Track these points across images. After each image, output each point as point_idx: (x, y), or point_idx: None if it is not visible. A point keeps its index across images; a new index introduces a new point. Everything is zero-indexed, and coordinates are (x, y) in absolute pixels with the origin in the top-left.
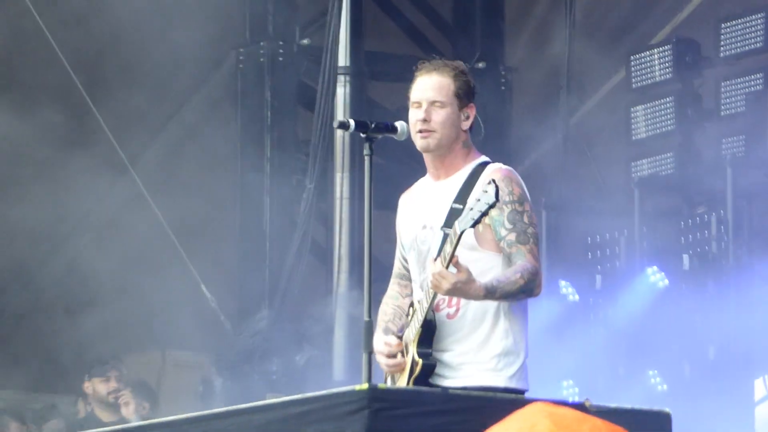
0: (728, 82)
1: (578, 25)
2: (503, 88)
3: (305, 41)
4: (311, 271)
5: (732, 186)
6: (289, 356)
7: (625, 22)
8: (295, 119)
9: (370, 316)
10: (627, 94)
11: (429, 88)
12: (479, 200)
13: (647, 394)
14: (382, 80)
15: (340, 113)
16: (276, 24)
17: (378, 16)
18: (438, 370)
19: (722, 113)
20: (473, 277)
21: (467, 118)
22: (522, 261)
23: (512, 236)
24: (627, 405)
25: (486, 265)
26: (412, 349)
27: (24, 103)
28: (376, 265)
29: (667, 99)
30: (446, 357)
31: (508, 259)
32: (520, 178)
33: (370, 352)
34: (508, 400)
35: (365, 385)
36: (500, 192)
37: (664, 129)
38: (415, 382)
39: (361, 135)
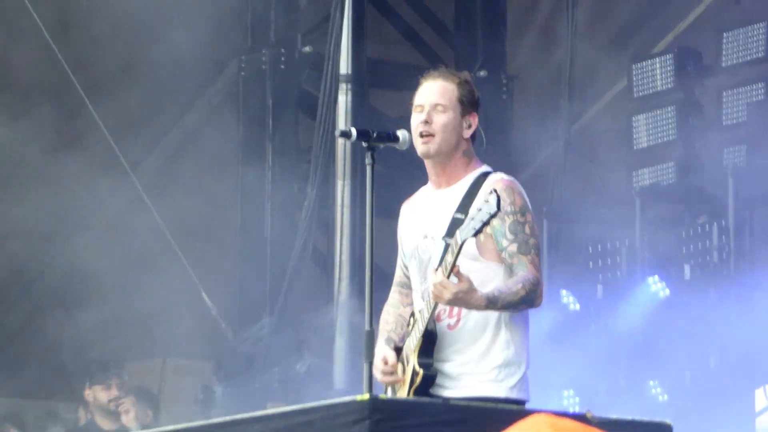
0: (730, 91)
1: (580, 33)
2: (505, 95)
3: (307, 48)
4: (312, 278)
5: (733, 196)
6: (290, 364)
7: (627, 30)
8: (297, 126)
9: (371, 326)
10: (628, 102)
11: (432, 92)
12: (481, 210)
13: (648, 404)
14: (383, 88)
15: (342, 121)
16: (278, 31)
17: (380, 23)
18: (439, 380)
19: (724, 123)
20: (475, 286)
21: (469, 126)
22: (523, 271)
23: (514, 247)
24: (628, 416)
25: (487, 276)
26: (413, 360)
27: (23, 105)
28: (377, 273)
29: (669, 108)
30: (447, 367)
31: (510, 270)
32: (521, 188)
33: (371, 362)
34: (509, 411)
35: (366, 396)
36: (502, 202)
37: (665, 138)
38: (416, 393)
39: (363, 144)
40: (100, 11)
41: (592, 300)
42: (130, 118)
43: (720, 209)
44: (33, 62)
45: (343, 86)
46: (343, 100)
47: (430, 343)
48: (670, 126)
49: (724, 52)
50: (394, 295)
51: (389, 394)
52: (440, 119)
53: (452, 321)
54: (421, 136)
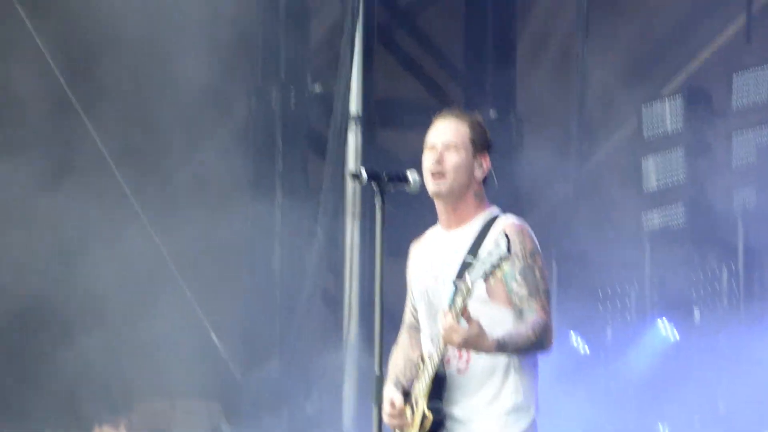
0: (740, 133)
1: (589, 74)
2: (514, 136)
3: (317, 87)
4: (321, 319)
5: (743, 239)
6: (299, 405)
7: (637, 71)
8: (306, 165)
9: (381, 370)
10: (638, 144)
11: (445, 131)
12: (491, 253)
13: None
14: (392, 127)
15: (351, 160)
16: (287, 70)
17: (389, 62)
18: (447, 424)
19: (733, 164)
20: (485, 330)
21: (481, 167)
22: (533, 316)
23: (524, 291)
24: None
25: (497, 319)
26: (422, 403)
27: (32, 141)
28: (386, 315)
29: (679, 149)
30: (456, 411)
31: (519, 314)
32: (532, 232)
33: (381, 406)
34: None
35: None
36: (513, 246)
37: (675, 180)
38: None
39: (374, 186)
40: (108, 50)
41: (602, 342)
42: (140, 157)
43: (730, 252)
44: (43, 99)
45: (352, 125)
46: (353, 139)
47: (439, 386)
48: (679, 168)
49: (734, 94)
50: (403, 338)
51: None
52: (452, 159)
53: (462, 365)
54: (433, 175)
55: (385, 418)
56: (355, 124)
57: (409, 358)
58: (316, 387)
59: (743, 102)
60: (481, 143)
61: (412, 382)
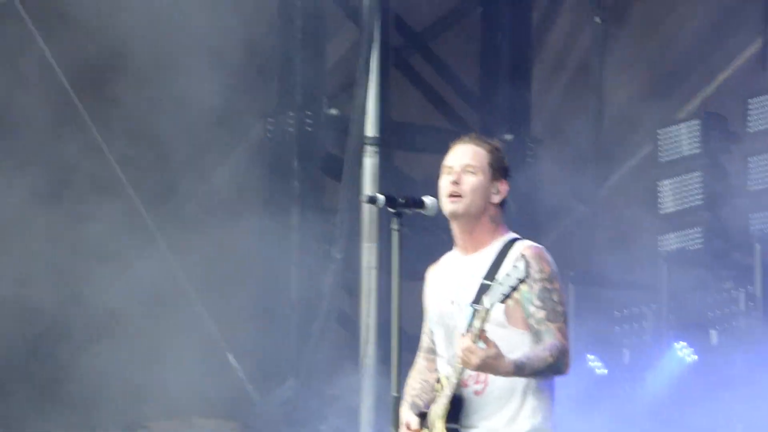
0: (756, 157)
1: (605, 97)
2: (530, 160)
3: (333, 111)
4: (338, 341)
5: (761, 261)
6: (315, 427)
7: (653, 95)
8: (323, 189)
9: (398, 393)
10: (654, 167)
11: (463, 154)
12: (509, 276)
13: None
14: (408, 150)
15: (367, 183)
16: (304, 94)
17: (405, 86)
18: None
19: (750, 188)
20: (502, 353)
21: (498, 192)
22: (551, 339)
23: (542, 314)
24: None
25: (514, 343)
26: (440, 426)
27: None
28: (402, 337)
29: (695, 173)
30: None
31: (537, 337)
32: (550, 256)
33: (398, 429)
34: None
35: None
36: (530, 269)
37: (691, 203)
38: None
39: (390, 210)
40: (123, 72)
41: (619, 365)
42: (156, 179)
43: (746, 275)
44: (57, 119)
45: (368, 149)
46: (369, 162)
47: (456, 409)
48: (696, 191)
49: (749, 118)
50: (420, 361)
51: None
52: (469, 181)
53: (479, 387)
54: (450, 196)
55: None
56: (371, 146)
57: (426, 381)
58: (332, 409)
59: (759, 126)
60: (498, 168)
61: (428, 405)
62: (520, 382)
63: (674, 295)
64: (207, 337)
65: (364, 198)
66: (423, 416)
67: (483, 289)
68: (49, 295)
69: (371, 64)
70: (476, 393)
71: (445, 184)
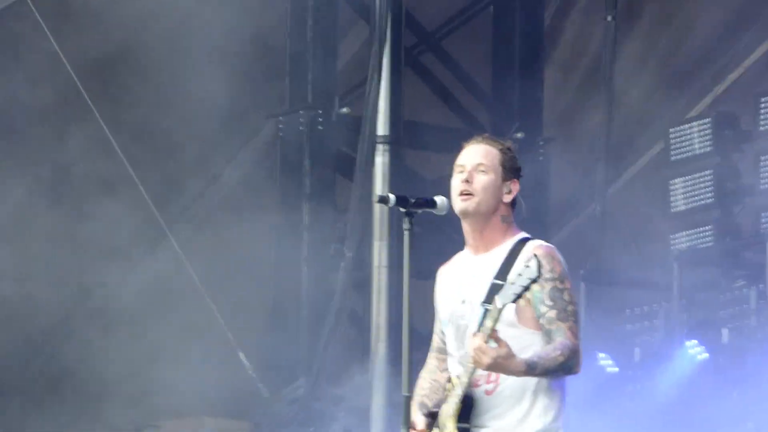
0: (767, 156)
1: (617, 96)
2: (541, 158)
3: (344, 110)
4: (349, 339)
5: None
6: (326, 425)
7: (664, 94)
8: (334, 187)
9: (409, 392)
10: (666, 166)
11: (475, 154)
12: (521, 275)
13: None
14: (420, 149)
15: (379, 182)
16: (315, 92)
17: (417, 85)
18: None
19: (761, 187)
20: (513, 352)
21: (509, 192)
22: (562, 338)
23: (552, 313)
24: None
25: (525, 343)
26: (451, 425)
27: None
28: (413, 335)
29: (706, 172)
30: None
31: (548, 336)
32: (560, 255)
33: (409, 428)
34: None
35: None
36: (542, 269)
37: (703, 202)
38: None
39: (401, 210)
40: (135, 71)
41: (630, 363)
42: (167, 178)
43: (757, 273)
44: (70, 117)
45: (380, 147)
46: (380, 161)
47: (467, 408)
48: (707, 190)
49: (761, 117)
50: (431, 361)
51: None
52: (481, 180)
53: (490, 387)
54: (461, 194)
55: None
56: (383, 146)
57: (436, 380)
58: (343, 408)
59: None
60: (510, 168)
61: (437, 405)
62: (531, 381)
63: (685, 294)
64: (217, 336)
65: (375, 198)
66: (433, 416)
67: (494, 289)
68: (57, 292)
69: (383, 62)
70: (487, 392)
71: (456, 183)
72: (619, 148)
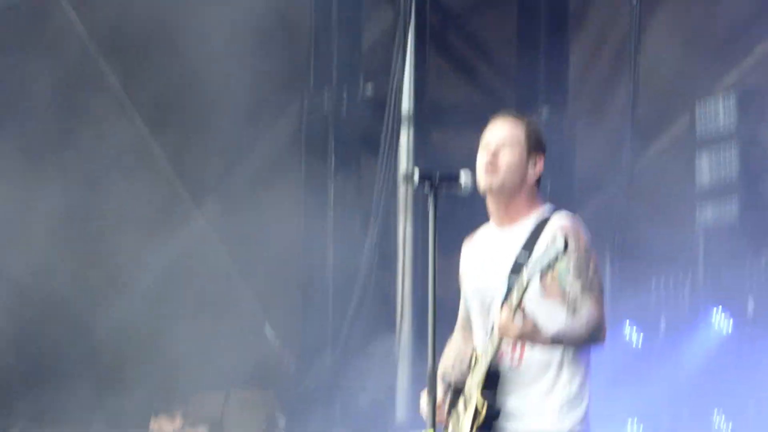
0: None
1: (643, 71)
2: (567, 136)
3: (369, 89)
4: (375, 313)
5: None
6: (353, 397)
7: (690, 68)
8: (359, 166)
9: (434, 364)
10: (691, 141)
11: (500, 131)
12: (548, 249)
13: None
14: (445, 128)
15: (404, 161)
16: (340, 72)
17: (442, 64)
18: (501, 417)
19: None
20: (539, 325)
21: (534, 167)
22: (587, 309)
23: (578, 285)
24: None
25: (550, 314)
26: (476, 396)
27: (92, 145)
28: (438, 309)
29: (732, 145)
30: (510, 404)
31: (573, 308)
32: (585, 227)
33: (435, 401)
34: None
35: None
36: (568, 241)
37: (728, 176)
38: (479, 429)
39: (426, 185)
40: (161, 51)
41: (656, 333)
42: (194, 159)
43: None
44: (96, 97)
45: (405, 126)
46: (405, 139)
47: (493, 380)
48: (733, 164)
49: None
50: (457, 334)
51: (450, 430)
52: (506, 157)
53: (515, 359)
54: (486, 171)
55: (423, 413)
56: (408, 125)
57: (461, 354)
58: (369, 381)
59: None
60: (535, 144)
61: (461, 378)
62: (556, 353)
63: (711, 265)
64: (245, 310)
65: (400, 176)
66: (458, 390)
67: (520, 262)
68: (86, 270)
69: (408, 41)
70: (512, 365)
71: (482, 159)
72: (645, 124)
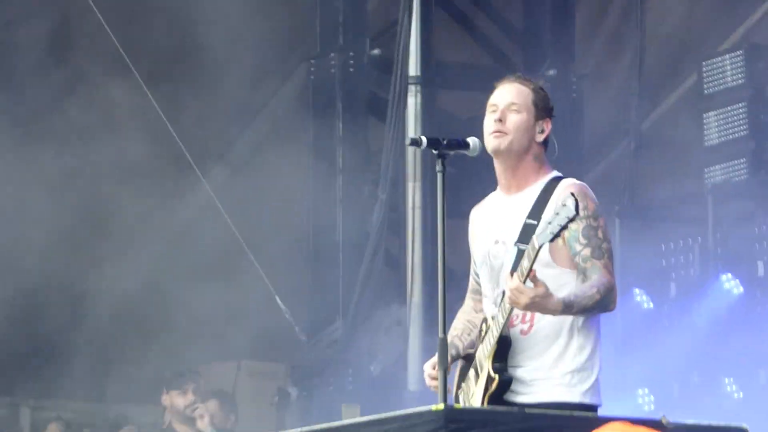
0: None
1: (648, 30)
2: (574, 95)
3: (376, 51)
4: (384, 280)
5: None
6: (364, 367)
7: (696, 27)
8: (367, 129)
9: (444, 334)
10: (699, 99)
11: (507, 93)
12: (558, 214)
13: (723, 402)
14: (452, 89)
15: (411, 123)
16: (346, 35)
17: (448, 25)
18: (511, 386)
19: None
20: (550, 291)
21: (542, 131)
22: (597, 276)
23: (587, 251)
24: (704, 421)
25: (560, 281)
26: (487, 365)
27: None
28: (448, 275)
29: (740, 104)
30: (520, 373)
31: (583, 275)
32: (592, 193)
33: (446, 370)
34: (584, 419)
35: (441, 405)
36: (578, 206)
37: (736, 135)
38: (491, 398)
39: (434, 151)
40: (164, 16)
41: (666, 298)
42: (200, 125)
43: None
44: (104, 67)
45: (412, 88)
46: (413, 102)
47: (504, 348)
48: (741, 122)
49: None
50: (467, 302)
51: (461, 398)
52: (513, 119)
53: (525, 327)
54: (494, 133)
55: (427, 380)
56: (415, 86)
57: (470, 321)
58: (379, 349)
59: None
60: (543, 107)
61: (470, 346)
62: (566, 321)
63: (720, 227)
64: (254, 280)
65: (407, 140)
66: (468, 358)
67: (528, 229)
68: (93, 242)
69: (414, 3)
70: (522, 333)
71: (489, 122)
72: (652, 83)
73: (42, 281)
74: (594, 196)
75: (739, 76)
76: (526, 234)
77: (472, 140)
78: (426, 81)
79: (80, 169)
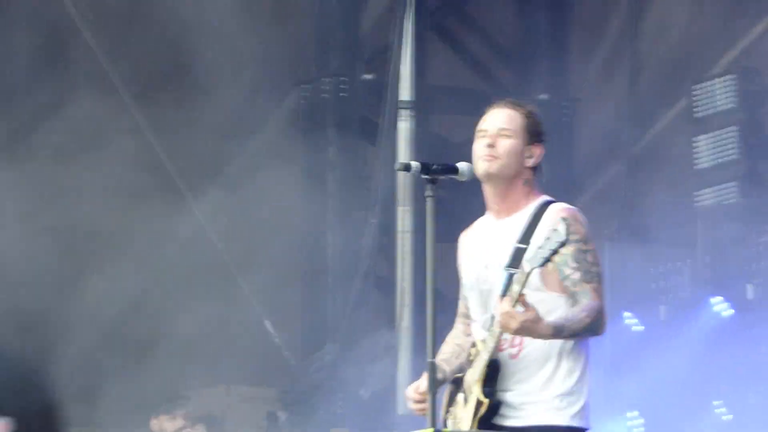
0: None
1: (641, 54)
2: (566, 119)
3: (368, 76)
4: (375, 304)
5: None
6: (353, 390)
7: (687, 51)
8: (358, 154)
9: (433, 357)
10: (690, 123)
11: (498, 118)
12: (549, 239)
13: (713, 425)
14: (445, 113)
15: (403, 147)
16: (339, 59)
17: (441, 49)
18: (500, 410)
19: None
20: (541, 316)
21: (532, 156)
22: (587, 300)
23: (577, 275)
24: None
25: (550, 306)
26: (477, 389)
27: (91, 139)
28: (438, 300)
29: (731, 128)
30: (509, 397)
31: (573, 298)
32: (583, 217)
33: (434, 394)
34: None
35: (430, 430)
36: (569, 231)
37: (727, 158)
38: (480, 422)
39: (424, 177)
40: (156, 38)
41: (655, 321)
42: (192, 148)
43: None
44: (91, 87)
45: (404, 112)
46: (405, 126)
47: (493, 372)
48: (731, 146)
49: None
50: (457, 326)
51: (449, 424)
52: (504, 144)
53: (514, 351)
54: (484, 157)
55: (410, 405)
56: (406, 110)
57: (459, 345)
58: (369, 372)
59: None
60: (533, 132)
61: (458, 370)
62: (555, 344)
63: (710, 250)
64: (244, 304)
65: (398, 166)
66: (456, 381)
67: (518, 253)
68: (77, 269)
69: (406, 27)
70: (512, 356)
71: (479, 147)
72: (643, 107)
73: (28, 305)
74: (584, 220)
75: (731, 99)
76: (516, 258)
77: (462, 165)
78: (417, 105)
79: (70, 189)
